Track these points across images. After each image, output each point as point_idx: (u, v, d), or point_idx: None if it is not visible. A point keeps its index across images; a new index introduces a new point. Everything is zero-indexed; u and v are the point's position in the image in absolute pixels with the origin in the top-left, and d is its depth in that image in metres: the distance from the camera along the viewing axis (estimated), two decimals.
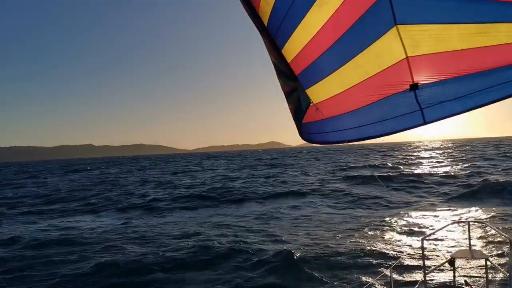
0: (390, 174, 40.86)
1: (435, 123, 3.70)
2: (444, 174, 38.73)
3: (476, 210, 19.51)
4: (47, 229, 20.15)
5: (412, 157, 78.95)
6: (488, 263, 6.05)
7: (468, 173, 38.07)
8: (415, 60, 3.42)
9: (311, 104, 4.43)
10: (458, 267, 7.36)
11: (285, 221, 19.62)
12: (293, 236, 16.23)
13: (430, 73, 3.48)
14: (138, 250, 14.63)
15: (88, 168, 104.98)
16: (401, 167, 51.46)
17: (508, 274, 5.28)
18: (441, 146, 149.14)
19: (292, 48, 4.04)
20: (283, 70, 4.30)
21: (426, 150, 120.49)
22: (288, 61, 4.18)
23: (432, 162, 60.69)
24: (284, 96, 4.63)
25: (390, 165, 55.52)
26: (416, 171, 43.45)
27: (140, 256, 13.68)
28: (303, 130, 4.87)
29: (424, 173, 40.24)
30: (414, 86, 3.56)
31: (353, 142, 4.56)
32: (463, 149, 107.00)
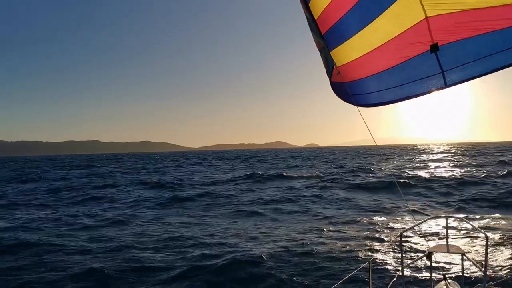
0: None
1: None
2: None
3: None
4: None
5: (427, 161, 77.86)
6: (465, 258, 6.09)
7: None
8: (435, 20, 3.39)
9: (334, 67, 4.48)
10: (435, 261, 7.38)
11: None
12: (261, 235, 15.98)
13: (449, 33, 3.41)
14: None
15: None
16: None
17: (483, 269, 5.38)
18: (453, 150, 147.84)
19: (318, 4, 4.02)
20: (313, 26, 4.30)
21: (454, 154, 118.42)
22: (316, 18, 4.16)
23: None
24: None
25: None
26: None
27: None
28: (334, 88, 4.88)
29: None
30: (434, 47, 3.52)
31: (376, 106, 4.56)
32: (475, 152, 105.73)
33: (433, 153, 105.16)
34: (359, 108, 4.74)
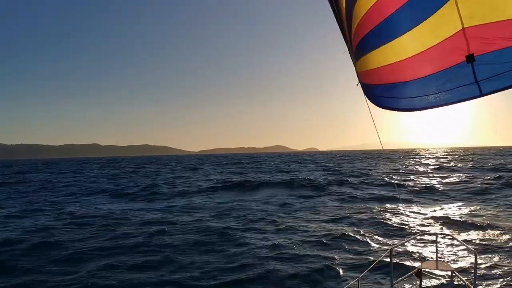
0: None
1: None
2: None
3: None
4: None
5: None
6: (454, 275, 6.11)
7: None
8: (471, 30, 3.47)
9: (364, 70, 4.69)
10: (425, 278, 7.38)
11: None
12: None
13: (486, 43, 3.48)
14: None
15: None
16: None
17: (472, 287, 5.41)
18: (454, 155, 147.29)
19: (361, 7, 4.14)
20: (346, 30, 4.57)
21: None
22: (354, 21, 4.34)
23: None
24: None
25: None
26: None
27: None
28: (365, 89, 4.97)
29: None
30: (470, 58, 3.58)
31: (408, 111, 4.61)
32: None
33: (427, 158, 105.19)
34: (371, 111, 4.87)
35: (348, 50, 4.83)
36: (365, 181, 40.95)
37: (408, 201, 26.09)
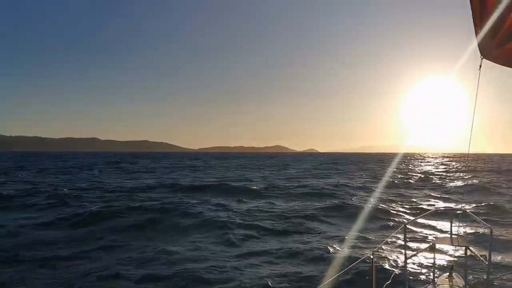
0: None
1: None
2: None
3: None
4: None
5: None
6: (468, 251, 6.02)
7: None
8: None
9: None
10: (439, 253, 7.34)
11: None
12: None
13: None
14: None
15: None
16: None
17: (487, 262, 5.33)
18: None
19: None
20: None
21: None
22: None
23: None
24: None
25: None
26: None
27: None
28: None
29: None
30: None
31: None
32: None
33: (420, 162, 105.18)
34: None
35: (478, 32, 4.67)
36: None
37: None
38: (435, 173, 54.03)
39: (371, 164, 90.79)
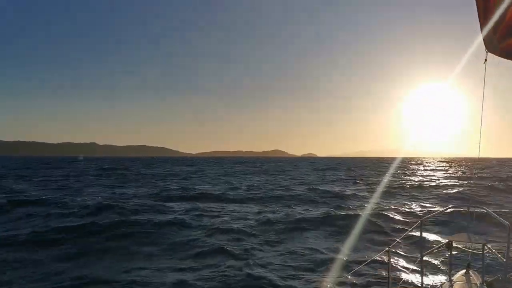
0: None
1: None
2: None
3: None
4: None
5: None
6: (486, 248, 5.96)
7: None
8: None
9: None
10: (455, 250, 7.16)
11: None
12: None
13: None
14: None
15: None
16: None
17: (504, 260, 5.28)
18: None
19: None
20: None
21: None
22: None
23: None
24: None
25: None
26: None
27: None
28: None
29: None
30: None
31: None
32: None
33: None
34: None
35: (484, 28, 4.84)
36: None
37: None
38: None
39: (363, 169, 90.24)
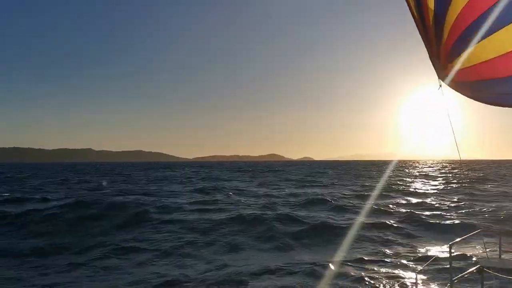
0: None
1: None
2: None
3: None
4: None
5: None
6: None
7: None
8: None
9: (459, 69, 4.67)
10: (486, 275, 7.18)
11: None
12: None
13: None
14: None
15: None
16: None
17: None
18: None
19: (455, 7, 4.19)
20: (437, 32, 4.60)
21: None
22: (449, 26, 4.37)
23: None
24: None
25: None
26: None
27: None
28: (458, 87, 4.97)
29: None
30: None
31: (495, 105, 4.69)
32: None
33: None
34: (449, 113, 4.81)
35: (431, 54, 4.84)
36: None
37: None
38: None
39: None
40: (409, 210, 26.37)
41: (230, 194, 37.90)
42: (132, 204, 27.50)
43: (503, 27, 3.89)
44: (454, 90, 5.00)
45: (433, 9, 4.34)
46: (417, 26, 4.62)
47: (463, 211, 26.84)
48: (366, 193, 37.87)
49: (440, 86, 4.91)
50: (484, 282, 6.33)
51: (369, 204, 28.88)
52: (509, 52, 3.98)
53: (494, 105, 4.77)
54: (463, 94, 4.98)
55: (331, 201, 31.00)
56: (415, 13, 4.51)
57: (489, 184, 49.80)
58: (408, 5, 4.47)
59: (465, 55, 4.40)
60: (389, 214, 25.43)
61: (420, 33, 4.69)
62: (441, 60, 4.77)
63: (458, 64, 4.56)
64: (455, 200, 33.76)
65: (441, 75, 4.90)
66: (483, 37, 4.08)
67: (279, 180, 63.70)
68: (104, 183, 52.14)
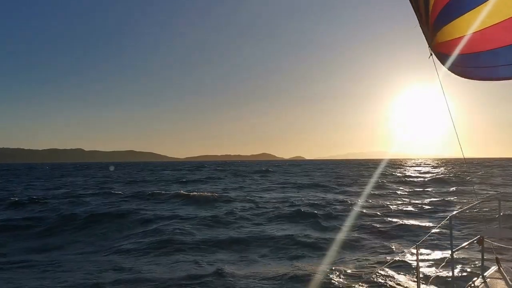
0: None
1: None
2: None
3: None
4: None
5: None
6: None
7: None
8: None
9: (440, 41, 4.73)
10: (487, 245, 7.12)
11: None
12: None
13: None
14: None
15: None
16: None
17: None
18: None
19: None
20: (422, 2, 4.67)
21: None
22: None
23: None
24: None
25: None
26: None
27: None
28: (441, 58, 4.95)
29: None
30: None
31: (489, 80, 4.65)
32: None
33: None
34: (444, 90, 4.81)
35: (420, 23, 4.83)
36: None
37: None
38: None
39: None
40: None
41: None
42: None
43: (484, 2, 3.95)
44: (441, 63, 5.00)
45: None
46: None
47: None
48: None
49: (431, 54, 4.91)
50: (484, 252, 6.35)
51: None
52: (489, 26, 4.05)
53: (477, 79, 4.78)
54: (450, 70, 4.96)
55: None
56: None
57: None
58: None
59: (448, 28, 4.44)
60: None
61: (410, 1, 4.73)
62: (429, 30, 4.77)
63: (442, 36, 4.61)
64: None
65: (431, 44, 4.90)
66: (464, 12, 4.14)
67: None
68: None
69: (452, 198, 26.12)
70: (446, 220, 6.21)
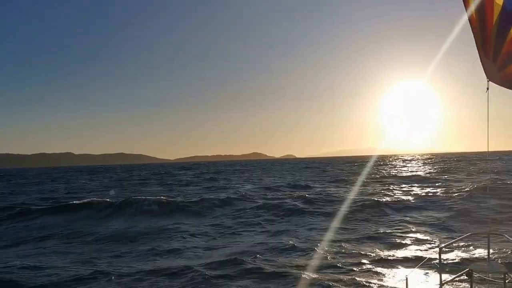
0: None
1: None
2: None
3: None
4: None
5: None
6: (507, 276, 5.89)
7: None
8: None
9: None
10: (475, 279, 7.23)
11: None
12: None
13: None
14: None
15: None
16: None
17: None
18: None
19: None
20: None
21: None
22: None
23: None
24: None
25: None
26: None
27: None
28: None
29: None
30: None
31: None
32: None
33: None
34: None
35: (484, 57, 5.12)
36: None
37: None
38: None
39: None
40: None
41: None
42: None
43: None
44: (501, 87, 5.26)
45: (497, 19, 4.62)
46: (472, 26, 4.89)
47: None
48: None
49: (488, 89, 5.18)
50: (473, 285, 6.35)
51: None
52: None
53: None
54: None
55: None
56: (474, 15, 4.80)
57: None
58: (465, 4, 4.78)
59: None
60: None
61: (474, 35, 4.95)
62: (498, 63, 4.98)
63: None
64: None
65: (492, 77, 5.14)
66: None
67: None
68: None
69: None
70: (435, 251, 6.19)
